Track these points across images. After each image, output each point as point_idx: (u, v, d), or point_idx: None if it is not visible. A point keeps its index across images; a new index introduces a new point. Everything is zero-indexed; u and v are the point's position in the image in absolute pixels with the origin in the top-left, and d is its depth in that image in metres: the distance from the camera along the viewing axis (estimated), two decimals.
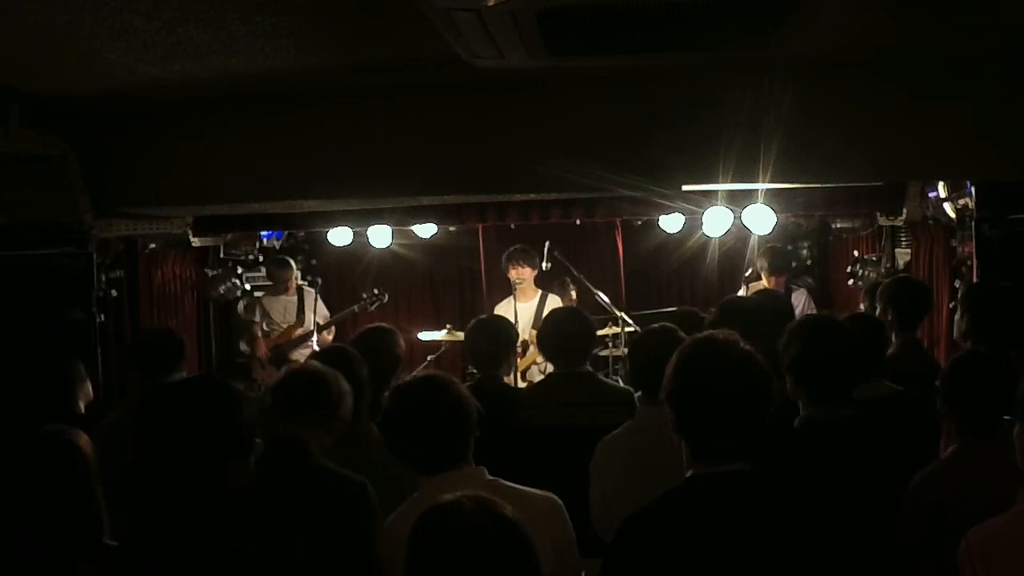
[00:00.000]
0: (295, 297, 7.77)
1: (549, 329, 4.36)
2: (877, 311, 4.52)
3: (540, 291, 7.25)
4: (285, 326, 7.69)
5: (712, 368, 2.31)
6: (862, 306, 5.09)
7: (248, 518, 2.79)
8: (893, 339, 4.44)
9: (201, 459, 2.26)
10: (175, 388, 2.41)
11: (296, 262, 8.52)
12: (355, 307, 7.81)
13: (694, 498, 2.30)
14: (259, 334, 7.73)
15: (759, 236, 6.99)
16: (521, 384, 6.63)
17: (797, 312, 6.66)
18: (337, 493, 2.96)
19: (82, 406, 4.06)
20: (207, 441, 2.27)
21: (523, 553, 1.89)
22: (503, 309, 6.96)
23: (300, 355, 7.52)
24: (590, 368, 4.31)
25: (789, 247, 8.31)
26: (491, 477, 2.70)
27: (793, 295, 7.20)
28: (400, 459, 2.81)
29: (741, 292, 7.08)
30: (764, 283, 7.07)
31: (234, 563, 2.22)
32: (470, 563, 1.86)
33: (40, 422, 2.46)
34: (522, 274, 7.11)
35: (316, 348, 7.17)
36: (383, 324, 4.60)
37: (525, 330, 6.76)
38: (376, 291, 7.81)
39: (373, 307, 7.76)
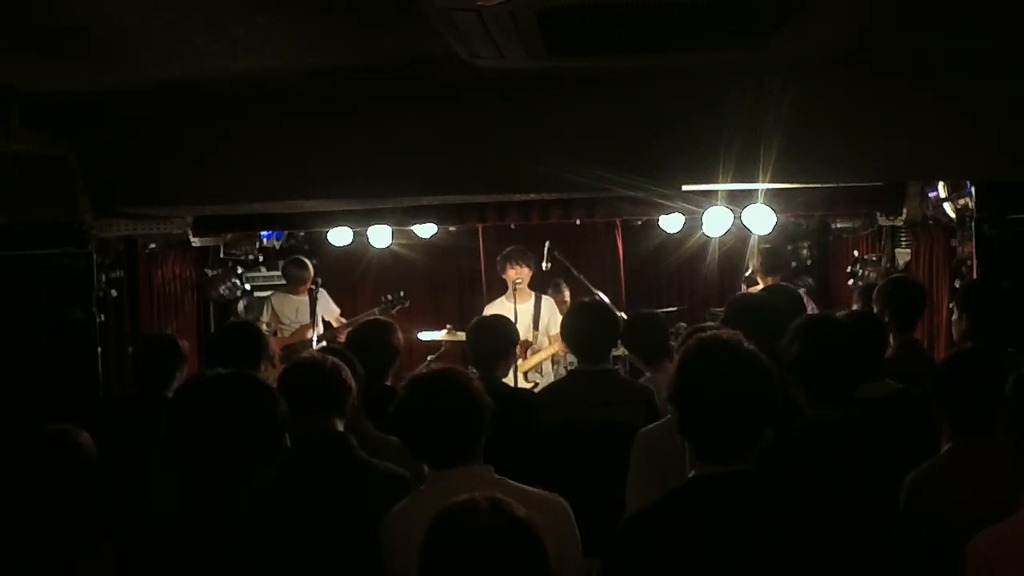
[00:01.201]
0: (307, 297, 7.75)
1: (576, 322, 4.34)
2: (874, 312, 4.52)
3: (534, 293, 7.24)
4: (297, 326, 7.68)
5: (715, 369, 2.31)
6: (855, 306, 5.09)
7: (296, 513, 2.81)
8: (891, 340, 4.45)
9: (234, 455, 2.27)
10: (209, 383, 2.41)
11: None
12: (376, 309, 7.78)
13: (695, 499, 2.30)
14: (265, 333, 7.70)
15: (759, 236, 6.99)
16: (524, 384, 6.63)
17: None
18: (382, 487, 2.94)
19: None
20: (242, 437, 2.27)
21: (535, 554, 1.90)
22: (495, 309, 6.93)
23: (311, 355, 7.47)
24: (611, 365, 4.32)
25: (789, 247, 8.31)
26: (498, 476, 2.68)
27: None
28: (410, 450, 2.80)
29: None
30: (760, 284, 7.08)
31: (262, 559, 2.23)
32: (484, 563, 1.86)
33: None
34: (522, 274, 7.10)
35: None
36: (380, 318, 4.61)
37: (527, 331, 6.76)
38: (401, 293, 7.80)
39: (394, 310, 7.74)
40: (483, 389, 2.78)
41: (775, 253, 7.24)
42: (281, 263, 8.14)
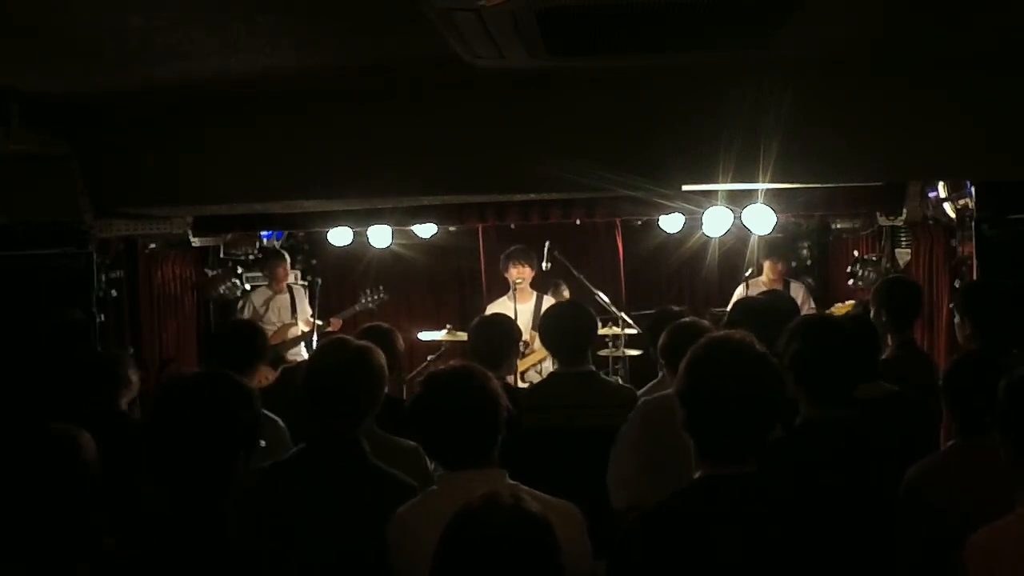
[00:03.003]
0: (287, 295, 7.76)
1: (553, 323, 4.31)
2: (871, 313, 4.51)
3: (536, 293, 7.25)
4: (279, 325, 7.67)
5: (725, 370, 2.30)
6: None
7: (300, 514, 2.78)
8: (889, 340, 4.44)
9: (217, 454, 2.26)
10: (187, 383, 2.40)
11: (296, 262, 8.52)
12: (356, 306, 7.82)
13: (700, 500, 2.30)
14: None
15: (759, 236, 7.00)
16: (522, 385, 6.63)
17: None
18: (390, 495, 2.87)
19: (124, 403, 4.07)
20: (223, 436, 2.27)
21: (553, 553, 1.90)
22: (496, 309, 6.94)
23: (294, 355, 7.54)
24: (592, 367, 4.31)
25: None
26: (512, 482, 2.63)
27: (792, 286, 7.21)
28: (424, 449, 2.77)
29: (740, 291, 7.09)
30: (766, 272, 7.14)
31: (259, 560, 2.23)
32: (503, 560, 1.85)
33: (76, 416, 2.46)
34: (523, 273, 7.11)
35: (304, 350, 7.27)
36: (382, 324, 4.59)
37: (525, 331, 6.75)
38: (380, 288, 7.82)
39: (374, 305, 7.77)
40: (501, 389, 2.72)
41: (777, 240, 7.28)
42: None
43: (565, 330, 4.24)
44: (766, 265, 7.24)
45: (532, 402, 4.22)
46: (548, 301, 7.19)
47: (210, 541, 2.23)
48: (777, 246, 7.28)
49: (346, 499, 2.87)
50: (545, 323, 4.39)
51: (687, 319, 4.09)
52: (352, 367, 3.05)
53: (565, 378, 4.22)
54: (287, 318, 7.68)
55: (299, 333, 7.62)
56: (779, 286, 7.07)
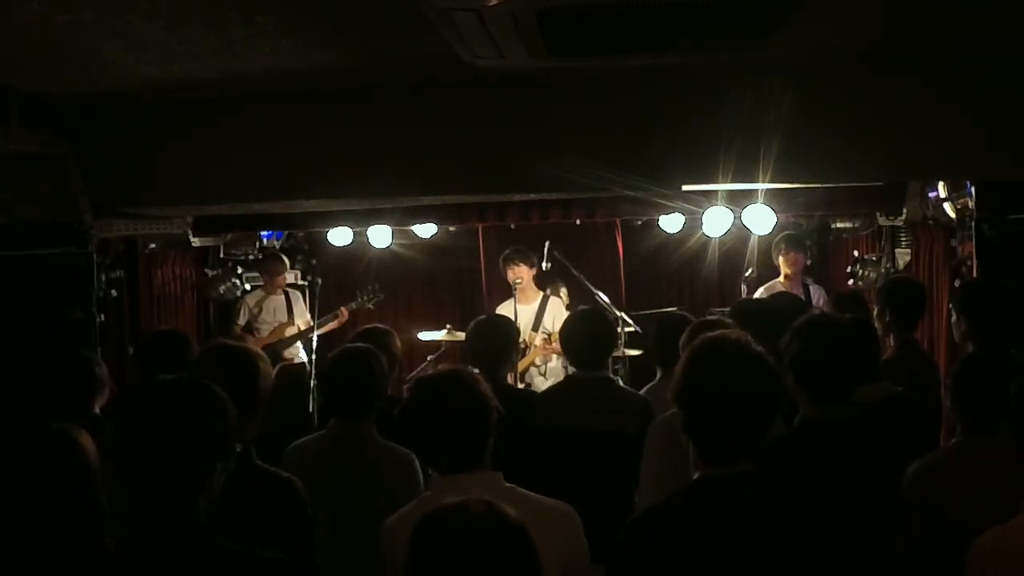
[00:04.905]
0: (282, 296, 7.79)
1: (573, 330, 4.34)
2: (875, 312, 4.51)
3: (542, 293, 7.25)
4: (276, 324, 7.70)
5: (723, 370, 2.30)
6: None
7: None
8: (891, 340, 4.44)
9: (191, 464, 2.18)
10: (159, 389, 2.29)
11: (296, 262, 8.54)
12: (353, 304, 7.84)
13: (700, 501, 2.30)
14: (240, 334, 7.72)
15: (759, 236, 6.99)
16: (520, 385, 6.63)
17: (817, 308, 6.66)
18: (268, 491, 2.83)
19: (97, 408, 4.04)
20: (198, 444, 2.21)
21: (528, 558, 1.88)
22: (503, 311, 6.94)
23: (292, 355, 7.57)
24: (609, 374, 4.34)
25: None
26: (508, 484, 2.62)
27: (812, 289, 7.17)
28: (416, 454, 2.76)
29: (760, 292, 7.08)
30: (783, 270, 6.99)
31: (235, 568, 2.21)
32: (472, 565, 1.84)
33: (52, 420, 2.40)
34: (519, 273, 7.10)
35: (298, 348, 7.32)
36: (380, 325, 4.60)
37: (525, 331, 6.76)
38: (376, 286, 7.85)
39: (370, 304, 7.79)
40: (490, 391, 2.71)
41: (793, 236, 7.20)
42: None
43: (584, 337, 4.26)
44: (780, 260, 7.02)
45: (541, 405, 4.24)
46: (555, 301, 7.20)
47: (192, 549, 2.18)
48: (791, 236, 7.11)
49: (231, 498, 2.83)
50: (566, 329, 4.42)
51: (713, 318, 4.11)
52: (229, 370, 2.93)
53: (578, 383, 4.25)
54: (283, 318, 7.73)
55: (295, 332, 7.65)
56: (797, 286, 6.93)
